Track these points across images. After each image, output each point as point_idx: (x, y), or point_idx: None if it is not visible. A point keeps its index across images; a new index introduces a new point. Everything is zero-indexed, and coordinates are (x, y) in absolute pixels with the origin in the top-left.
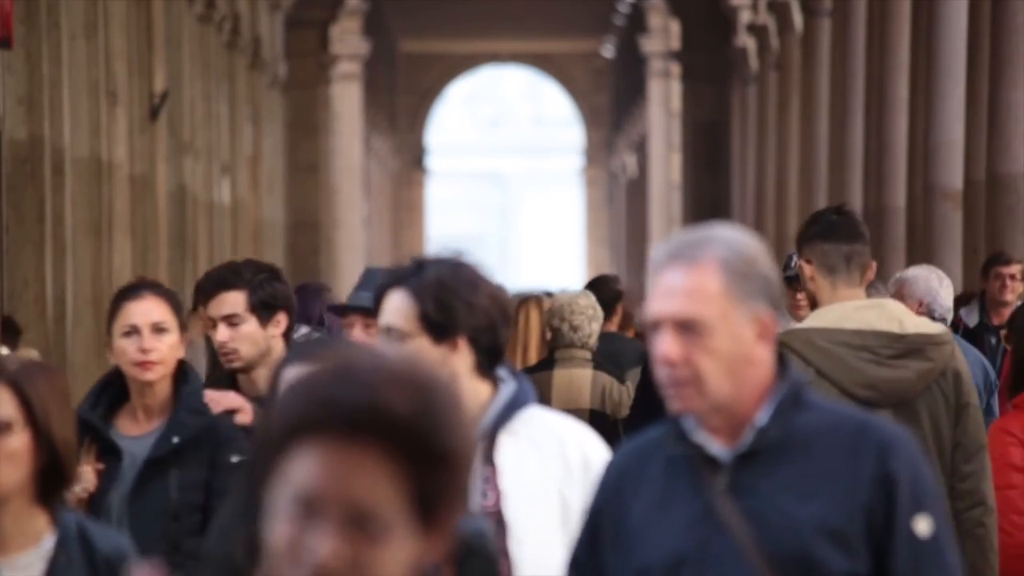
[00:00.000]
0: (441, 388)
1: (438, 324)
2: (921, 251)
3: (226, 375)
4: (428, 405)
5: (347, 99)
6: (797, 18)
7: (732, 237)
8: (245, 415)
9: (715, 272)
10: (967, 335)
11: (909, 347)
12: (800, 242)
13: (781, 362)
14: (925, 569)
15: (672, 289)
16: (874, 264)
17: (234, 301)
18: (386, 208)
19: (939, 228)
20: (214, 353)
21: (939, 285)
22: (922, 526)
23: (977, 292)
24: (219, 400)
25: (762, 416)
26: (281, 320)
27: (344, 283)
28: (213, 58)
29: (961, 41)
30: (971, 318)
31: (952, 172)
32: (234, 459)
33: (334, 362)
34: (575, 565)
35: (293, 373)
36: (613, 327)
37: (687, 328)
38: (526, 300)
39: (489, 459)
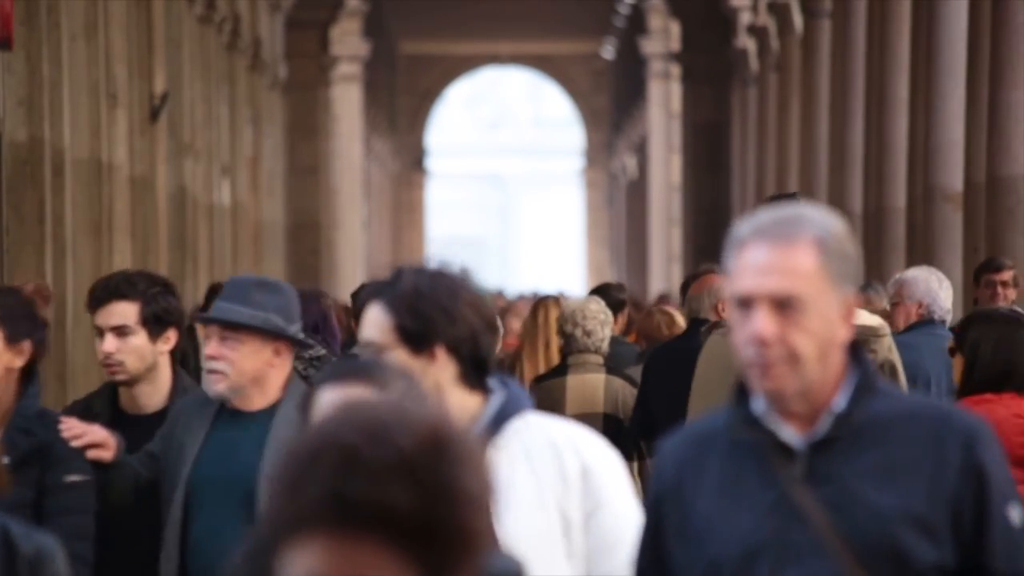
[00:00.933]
0: (455, 460)
1: (414, 334)
2: (921, 252)
3: (108, 388)
4: (437, 494)
5: (347, 100)
6: (797, 19)
7: (824, 217)
8: (107, 452)
9: (812, 251)
10: None
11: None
12: None
13: (853, 348)
14: (1022, 559)
15: (767, 266)
16: None
17: (125, 312)
18: (386, 210)
19: (939, 229)
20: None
21: (939, 286)
22: (1015, 516)
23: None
24: (81, 433)
25: (839, 401)
26: (171, 337)
27: (344, 285)
28: (213, 59)
29: (961, 41)
30: None
31: (952, 173)
32: (70, 479)
33: (339, 440)
34: (641, 573)
35: (329, 397)
36: (616, 333)
37: (784, 306)
38: (544, 300)
39: None
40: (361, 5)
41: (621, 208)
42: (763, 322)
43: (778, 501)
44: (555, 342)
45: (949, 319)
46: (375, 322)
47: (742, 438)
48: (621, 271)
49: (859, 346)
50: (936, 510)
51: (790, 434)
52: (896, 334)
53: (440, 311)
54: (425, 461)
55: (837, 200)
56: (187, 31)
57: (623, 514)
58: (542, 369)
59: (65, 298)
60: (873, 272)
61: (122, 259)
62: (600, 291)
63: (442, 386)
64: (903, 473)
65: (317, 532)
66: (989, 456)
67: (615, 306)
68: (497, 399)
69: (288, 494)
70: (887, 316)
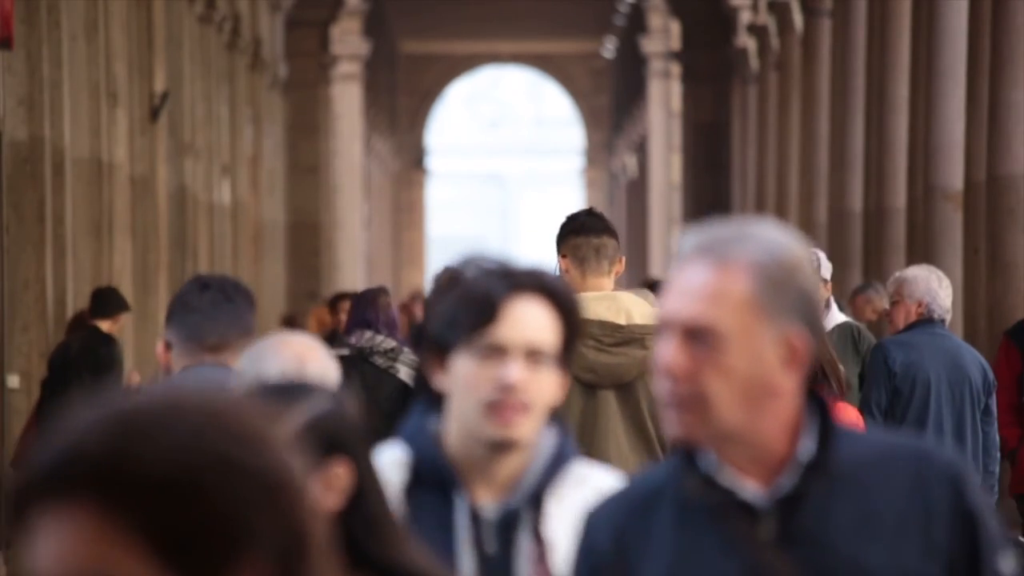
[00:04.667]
0: (177, 410)
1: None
2: (921, 252)
3: None
4: (133, 432)
5: (347, 100)
6: (797, 18)
7: (772, 238)
8: None
9: (744, 276)
10: None
11: (628, 336)
12: (557, 240)
13: (809, 390)
14: None
15: (689, 288)
16: (623, 258)
17: None
18: (386, 209)
19: (939, 229)
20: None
21: (938, 285)
22: (1007, 567)
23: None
24: None
25: (804, 451)
26: None
27: (344, 284)
28: (213, 59)
29: (961, 41)
30: None
31: (952, 173)
32: None
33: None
34: None
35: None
36: None
37: (698, 337)
38: None
39: (535, 532)
40: (361, 4)
41: (621, 207)
42: (671, 353)
43: (747, 571)
44: None
45: (949, 318)
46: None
47: (694, 499)
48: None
49: (817, 389)
50: (931, 563)
51: (752, 491)
52: (896, 333)
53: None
54: (141, 407)
55: (837, 199)
56: (187, 30)
57: None
58: None
59: (65, 298)
60: (873, 272)
61: (122, 258)
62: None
63: None
64: (890, 525)
65: (37, 506)
66: (979, 500)
67: None
68: (550, 440)
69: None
70: (887, 315)
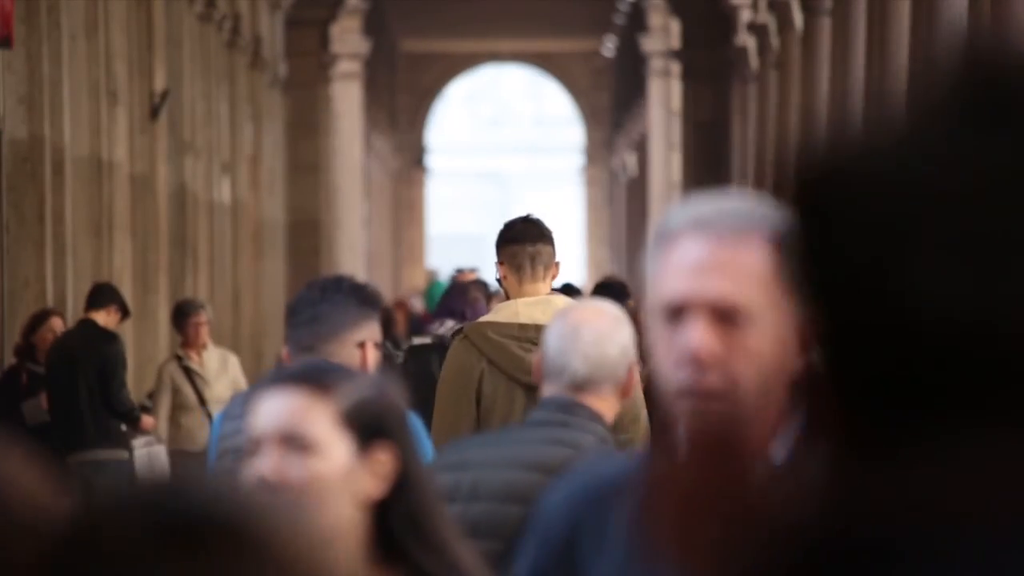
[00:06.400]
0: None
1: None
2: None
3: None
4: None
5: (347, 98)
6: (797, 17)
7: (773, 211)
8: None
9: (764, 249)
10: None
11: None
12: (495, 247)
13: (797, 387)
14: None
15: (708, 265)
16: (559, 263)
17: None
18: (386, 207)
19: None
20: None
21: None
22: None
23: None
24: None
25: (777, 453)
26: None
27: None
28: (213, 57)
29: (961, 41)
30: None
31: None
32: None
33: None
34: None
35: (270, 404)
36: None
37: (728, 319)
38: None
39: None
40: (361, 3)
41: (621, 206)
42: (701, 337)
43: None
44: None
45: None
46: None
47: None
48: (621, 269)
49: (805, 386)
50: None
51: None
52: None
53: None
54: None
55: None
56: (187, 29)
57: None
58: None
59: (65, 297)
60: None
61: (122, 257)
62: (604, 288)
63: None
64: None
65: None
66: None
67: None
68: None
69: None
70: None
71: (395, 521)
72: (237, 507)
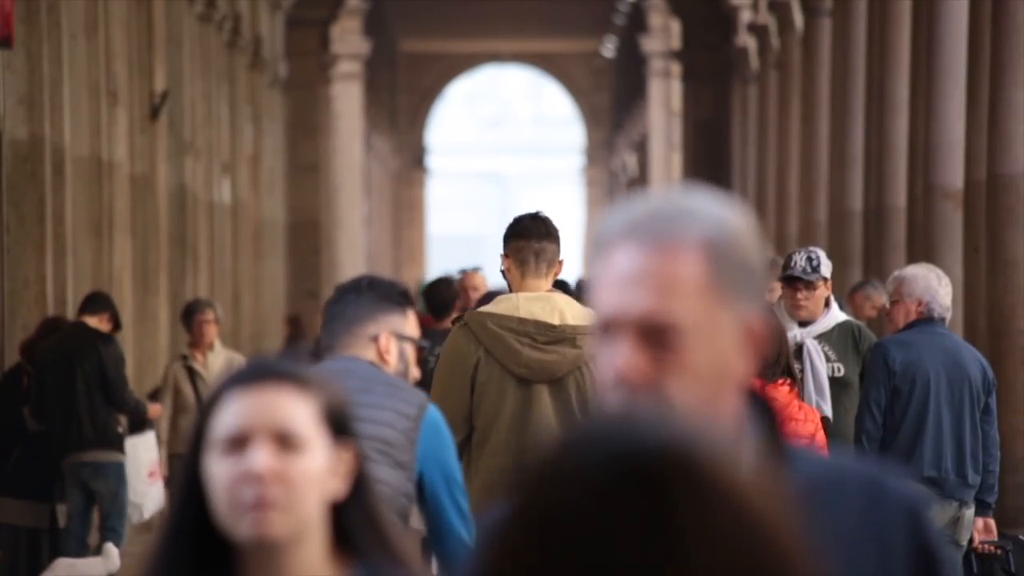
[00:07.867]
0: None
1: None
2: (921, 251)
3: None
4: None
5: (347, 99)
6: (797, 18)
7: (714, 212)
8: None
9: (695, 258)
10: None
11: (561, 335)
12: (503, 240)
13: (753, 393)
14: None
15: (634, 278)
16: (562, 261)
17: None
18: (386, 207)
19: (939, 228)
20: None
21: (938, 284)
22: None
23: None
24: None
25: (746, 456)
26: None
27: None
28: (213, 58)
29: (961, 41)
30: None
31: (953, 172)
32: None
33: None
34: None
35: (239, 404)
36: None
37: (655, 336)
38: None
39: None
40: (361, 3)
41: None
42: (629, 356)
43: None
44: None
45: (949, 317)
46: None
47: None
48: None
49: (760, 391)
50: None
51: None
52: (896, 332)
53: None
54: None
55: (838, 199)
56: (187, 29)
57: None
58: None
59: (65, 297)
60: (874, 271)
61: (122, 258)
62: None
63: None
64: (839, 550)
65: None
66: (936, 537)
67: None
68: None
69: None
70: (887, 314)
71: (353, 518)
72: (686, 446)
